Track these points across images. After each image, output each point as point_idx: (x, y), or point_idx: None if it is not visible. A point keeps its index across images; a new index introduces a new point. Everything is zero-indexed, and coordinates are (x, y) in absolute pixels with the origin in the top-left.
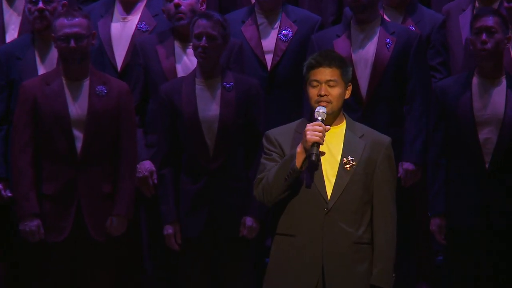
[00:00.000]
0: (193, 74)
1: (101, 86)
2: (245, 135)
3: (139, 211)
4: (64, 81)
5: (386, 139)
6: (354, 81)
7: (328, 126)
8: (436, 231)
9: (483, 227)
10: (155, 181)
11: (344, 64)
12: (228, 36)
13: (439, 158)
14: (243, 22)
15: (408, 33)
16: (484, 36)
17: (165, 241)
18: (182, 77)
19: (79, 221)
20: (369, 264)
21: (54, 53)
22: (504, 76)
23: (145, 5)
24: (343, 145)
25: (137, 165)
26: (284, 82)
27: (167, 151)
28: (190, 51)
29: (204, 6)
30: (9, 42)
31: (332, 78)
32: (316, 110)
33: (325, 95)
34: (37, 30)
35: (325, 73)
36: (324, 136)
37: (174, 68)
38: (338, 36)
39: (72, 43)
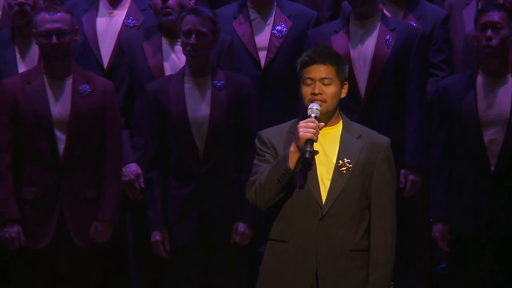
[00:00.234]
0: (181, 72)
1: (84, 85)
2: (236, 136)
3: (125, 216)
4: (45, 80)
5: (385, 139)
6: (352, 79)
7: (322, 123)
8: (439, 238)
9: (488, 233)
10: (142, 185)
11: (339, 61)
12: (219, 32)
13: (442, 160)
14: (235, 17)
15: (410, 29)
16: (489, 32)
17: (152, 249)
18: (170, 76)
19: (61, 227)
20: (366, 272)
21: (35, 50)
22: (510, 74)
23: None
24: (339, 146)
25: (123, 168)
26: (278, 80)
27: (154, 153)
28: (178, 48)
29: (193, 1)
30: None
31: (326, 76)
32: (309, 107)
33: (319, 93)
34: (17, 26)
35: (320, 71)
36: (318, 133)
37: (162, 66)
38: (336, 32)
39: (54, 40)
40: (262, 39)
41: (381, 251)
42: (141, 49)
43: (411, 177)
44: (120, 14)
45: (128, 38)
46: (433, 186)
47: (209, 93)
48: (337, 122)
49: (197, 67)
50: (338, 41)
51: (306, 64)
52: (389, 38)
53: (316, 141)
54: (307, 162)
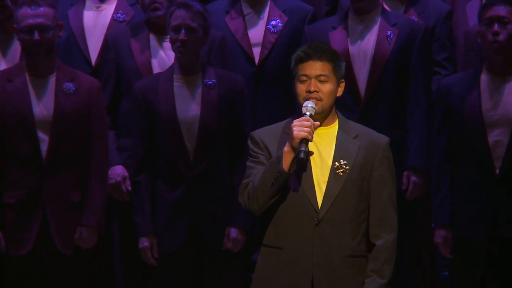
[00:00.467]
0: (170, 70)
1: (68, 83)
2: (229, 137)
3: (111, 221)
4: (27, 78)
5: (383, 139)
6: (351, 77)
7: (317, 122)
8: (441, 244)
9: (493, 239)
10: (129, 188)
11: (336, 58)
12: (209, 28)
13: (444, 163)
14: (227, 12)
15: (412, 24)
16: (496, 27)
17: (140, 255)
18: (158, 74)
19: (44, 233)
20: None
21: (16, 47)
22: None
23: None
24: (335, 147)
25: (109, 171)
26: (273, 77)
27: (142, 155)
28: (167, 44)
29: None
30: None
31: (322, 73)
32: (304, 105)
33: (315, 91)
34: None
35: (315, 67)
36: (313, 132)
37: (150, 63)
38: (334, 28)
39: (36, 35)
40: (256, 34)
41: (380, 257)
42: (128, 46)
43: (413, 179)
44: (109, 8)
45: (114, 34)
46: (434, 190)
47: (199, 92)
48: (333, 121)
49: (187, 64)
50: (337, 38)
51: (301, 60)
52: (390, 34)
53: (311, 141)
54: (302, 163)
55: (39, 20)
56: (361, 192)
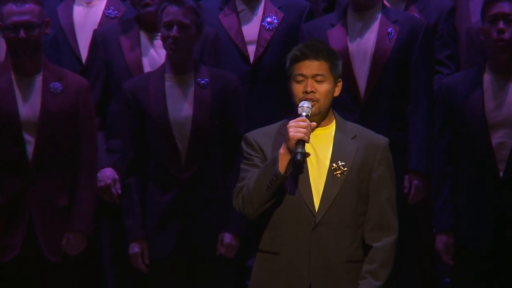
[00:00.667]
0: (161, 69)
1: (56, 83)
2: (222, 139)
3: (100, 226)
4: (13, 77)
5: (382, 139)
6: (351, 76)
7: (314, 123)
8: (442, 250)
9: (497, 245)
10: (119, 191)
11: (333, 57)
12: (203, 25)
13: (446, 166)
14: (221, 9)
15: (413, 21)
16: (501, 24)
17: (130, 261)
18: (149, 73)
19: (30, 239)
20: None
21: (1, 45)
22: None
23: None
24: (332, 148)
25: (98, 174)
26: (268, 76)
27: (132, 157)
28: (158, 42)
29: None
30: None
31: (319, 73)
32: (300, 105)
33: (312, 91)
34: None
35: (312, 67)
36: (309, 132)
37: (140, 62)
38: (333, 26)
39: (22, 33)
40: (251, 31)
41: (376, 259)
42: (118, 44)
43: (416, 182)
44: (100, 4)
45: (103, 31)
46: (435, 194)
47: (191, 91)
48: (330, 122)
49: (179, 63)
50: (335, 35)
51: (297, 60)
52: (391, 31)
53: (307, 142)
54: (299, 165)
55: (25, 18)
56: (359, 195)
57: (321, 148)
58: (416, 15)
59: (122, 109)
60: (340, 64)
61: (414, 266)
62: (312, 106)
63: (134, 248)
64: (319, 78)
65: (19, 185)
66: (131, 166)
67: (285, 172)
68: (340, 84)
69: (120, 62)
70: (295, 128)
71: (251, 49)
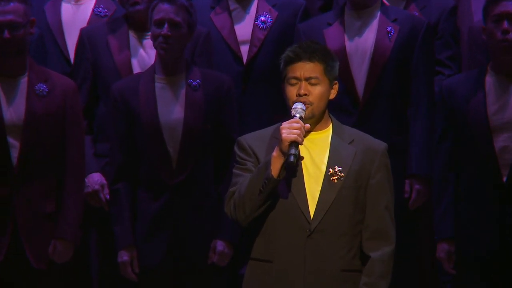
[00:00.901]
0: (151, 70)
1: (41, 84)
2: (214, 142)
3: (88, 233)
4: None
5: (381, 144)
6: (349, 77)
7: (307, 125)
8: (444, 259)
9: (500, 253)
10: (107, 197)
11: (328, 58)
12: (195, 24)
13: (447, 171)
14: (212, 8)
15: (413, 20)
16: (505, 25)
17: (119, 270)
18: (138, 74)
19: (15, 246)
20: None
21: None
22: None
23: None
24: (329, 153)
25: (85, 179)
26: (262, 77)
27: (121, 162)
28: (147, 42)
29: None
30: None
31: (313, 75)
32: (293, 106)
33: (305, 94)
34: None
35: (305, 69)
36: (303, 134)
37: (129, 63)
38: (330, 24)
39: (6, 34)
40: (244, 31)
41: (375, 271)
42: (106, 44)
43: (417, 186)
44: (89, 2)
45: (90, 31)
46: (436, 200)
47: (183, 93)
48: (326, 126)
49: (170, 63)
50: (332, 34)
51: (290, 61)
52: (390, 30)
53: (301, 144)
54: (292, 167)
55: (9, 17)
56: (357, 202)
57: (317, 153)
58: (416, 14)
59: (111, 112)
60: (336, 65)
61: (414, 275)
62: (305, 109)
63: (123, 256)
64: (313, 80)
65: (3, 190)
66: (120, 171)
67: (278, 176)
68: (336, 87)
69: (108, 63)
70: (288, 129)
71: (244, 49)
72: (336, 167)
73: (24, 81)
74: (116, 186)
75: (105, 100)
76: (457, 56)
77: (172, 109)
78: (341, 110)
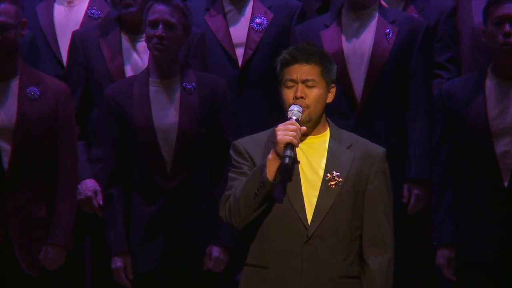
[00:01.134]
0: (145, 73)
1: (33, 87)
2: (210, 146)
3: (81, 239)
4: None
5: (379, 149)
6: (346, 80)
7: (303, 127)
8: (444, 265)
9: (501, 259)
10: (101, 203)
11: (325, 60)
12: (190, 26)
13: (446, 176)
14: (207, 10)
15: (412, 21)
16: (507, 27)
17: (113, 276)
18: (132, 77)
19: (7, 252)
20: None
21: None
22: None
23: None
24: (327, 158)
25: (78, 185)
26: (258, 80)
27: (115, 167)
28: (141, 45)
29: None
30: None
31: (309, 77)
32: (290, 109)
33: (301, 97)
34: None
35: (302, 71)
36: (299, 136)
37: (122, 66)
38: (327, 26)
39: None
40: (239, 33)
41: (375, 281)
42: (98, 47)
43: (416, 191)
44: (82, 4)
45: (82, 34)
46: (436, 206)
47: (177, 97)
48: (324, 130)
49: (164, 66)
50: (329, 36)
51: (287, 63)
52: (389, 31)
53: (297, 146)
54: (287, 169)
55: (0, 19)
56: (355, 207)
57: (314, 157)
58: (415, 15)
59: (104, 116)
60: (333, 68)
61: (414, 280)
62: (302, 112)
63: (117, 262)
64: (309, 83)
65: None
66: (114, 175)
67: (274, 179)
68: (333, 90)
69: (100, 67)
70: (283, 131)
71: (240, 52)
72: (334, 172)
73: (15, 84)
74: (109, 191)
75: (98, 105)
76: (456, 58)
77: (166, 113)
78: (338, 113)
